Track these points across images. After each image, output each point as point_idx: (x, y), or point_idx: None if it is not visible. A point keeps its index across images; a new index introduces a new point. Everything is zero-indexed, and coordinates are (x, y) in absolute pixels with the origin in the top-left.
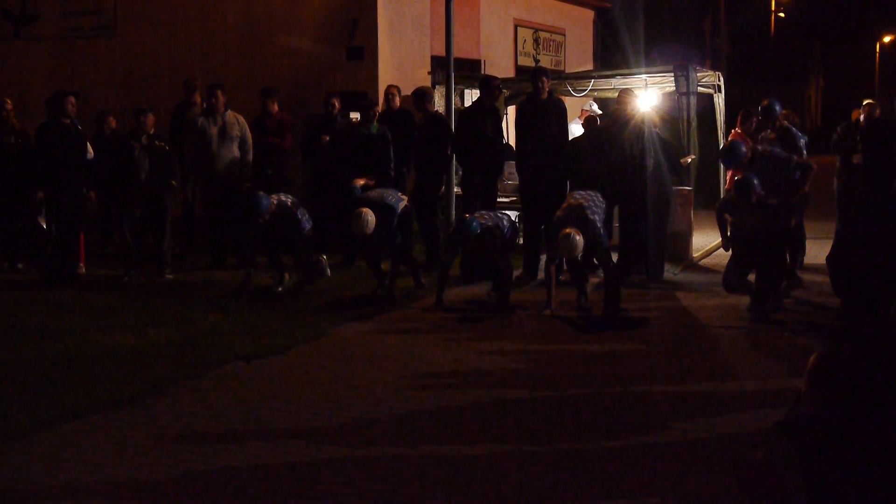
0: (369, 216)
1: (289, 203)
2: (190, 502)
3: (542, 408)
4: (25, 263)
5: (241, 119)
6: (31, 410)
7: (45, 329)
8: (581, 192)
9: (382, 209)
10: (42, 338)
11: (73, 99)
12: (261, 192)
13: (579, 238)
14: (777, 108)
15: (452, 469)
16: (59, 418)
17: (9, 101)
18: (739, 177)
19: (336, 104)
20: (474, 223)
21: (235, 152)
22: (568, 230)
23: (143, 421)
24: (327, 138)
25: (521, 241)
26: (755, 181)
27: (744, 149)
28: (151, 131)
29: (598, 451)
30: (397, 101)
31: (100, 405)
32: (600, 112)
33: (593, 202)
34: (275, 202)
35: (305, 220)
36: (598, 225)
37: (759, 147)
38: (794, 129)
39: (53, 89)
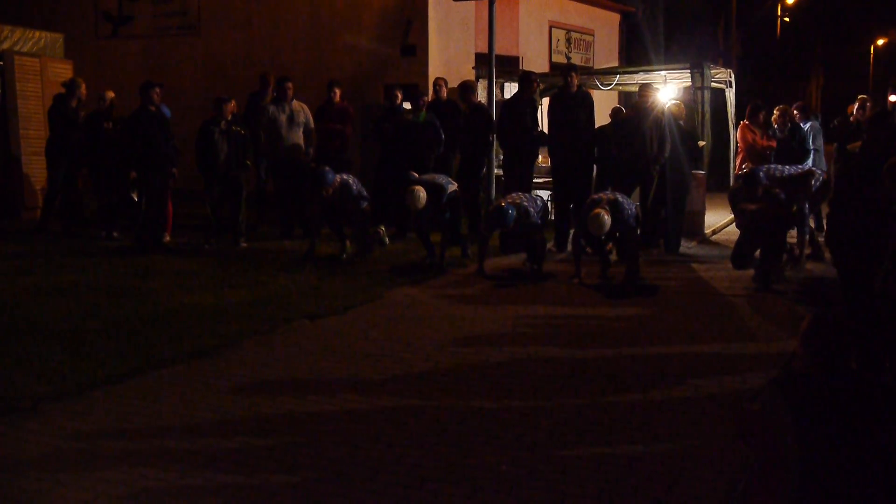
0: (421, 192)
1: (350, 181)
2: (261, 441)
3: (571, 363)
4: (120, 232)
5: (306, 107)
6: (126, 359)
7: (137, 289)
8: (621, 194)
9: (433, 188)
10: (134, 297)
11: (158, 89)
12: (326, 168)
13: (608, 218)
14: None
15: (492, 416)
16: (150, 366)
17: (110, 93)
18: (748, 170)
19: (399, 95)
20: (511, 212)
21: (301, 137)
22: (599, 210)
23: (221, 370)
24: (388, 126)
25: (552, 218)
26: (761, 174)
27: (761, 174)
28: (229, 118)
29: (620, 402)
30: (444, 92)
31: (184, 356)
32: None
33: (626, 201)
34: (338, 180)
35: (363, 196)
36: (628, 212)
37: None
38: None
39: (145, 81)
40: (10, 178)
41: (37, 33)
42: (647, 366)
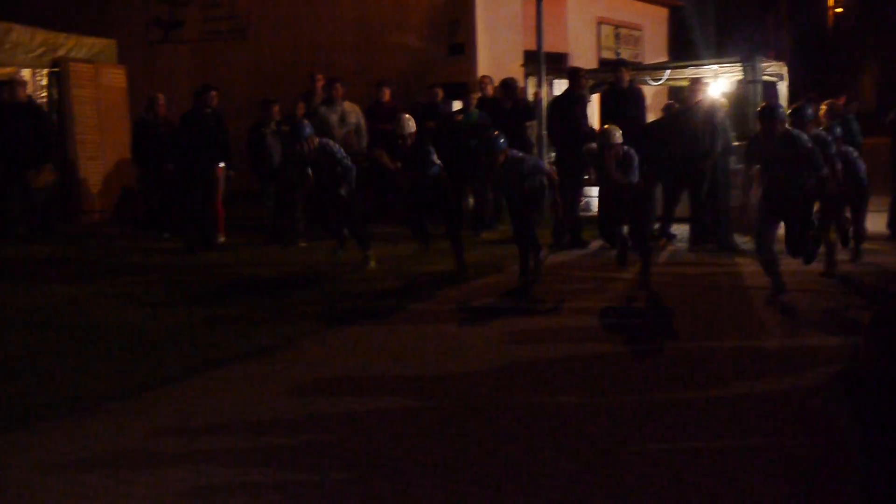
0: (410, 122)
1: (330, 143)
2: (319, 437)
3: (618, 361)
4: (171, 233)
5: (357, 108)
6: (184, 359)
7: (193, 290)
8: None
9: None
10: (190, 297)
11: (214, 93)
12: (305, 121)
13: (619, 132)
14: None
15: (541, 414)
16: (208, 365)
17: (161, 96)
18: (765, 102)
19: (440, 93)
20: (501, 140)
21: (352, 136)
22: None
23: (278, 369)
24: (432, 124)
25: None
26: (780, 107)
27: (810, 111)
28: (278, 118)
29: (662, 401)
30: (490, 89)
31: (242, 355)
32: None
33: (635, 162)
34: (316, 140)
35: (348, 162)
36: (636, 171)
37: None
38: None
39: (195, 85)
40: (69, 183)
41: (91, 40)
42: (690, 364)
